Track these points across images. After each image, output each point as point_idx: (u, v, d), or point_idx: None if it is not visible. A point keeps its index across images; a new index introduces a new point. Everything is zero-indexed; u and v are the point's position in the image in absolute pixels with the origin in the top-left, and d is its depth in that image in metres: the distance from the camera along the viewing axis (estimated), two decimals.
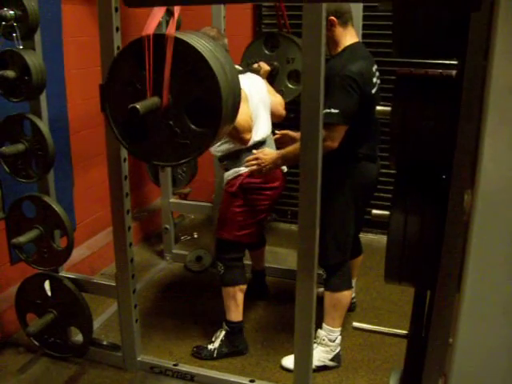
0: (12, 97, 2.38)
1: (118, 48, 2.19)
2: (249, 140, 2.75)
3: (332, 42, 2.66)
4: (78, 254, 3.46)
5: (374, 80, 2.66)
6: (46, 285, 2.72)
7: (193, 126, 1.41)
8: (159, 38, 1.35)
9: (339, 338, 2.81)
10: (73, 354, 2.84)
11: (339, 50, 2.65)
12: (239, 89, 1.50)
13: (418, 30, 1.01)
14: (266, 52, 3.48)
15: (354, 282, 3.32)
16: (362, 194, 2.75)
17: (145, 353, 2.81)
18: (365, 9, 3.28)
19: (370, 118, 2.63)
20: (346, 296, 2.78)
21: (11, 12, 2.26)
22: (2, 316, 3.02)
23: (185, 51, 1.33)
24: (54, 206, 2.53)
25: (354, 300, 3.37)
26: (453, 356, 0.66)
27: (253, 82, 2.96)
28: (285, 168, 2.94)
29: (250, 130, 2.73)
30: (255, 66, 3.25)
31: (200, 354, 2.92)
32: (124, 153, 2.35)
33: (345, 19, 2.60)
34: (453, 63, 1.19)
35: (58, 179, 2.74)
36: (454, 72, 1.18)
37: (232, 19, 3.58)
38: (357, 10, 3.19)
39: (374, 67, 2.70)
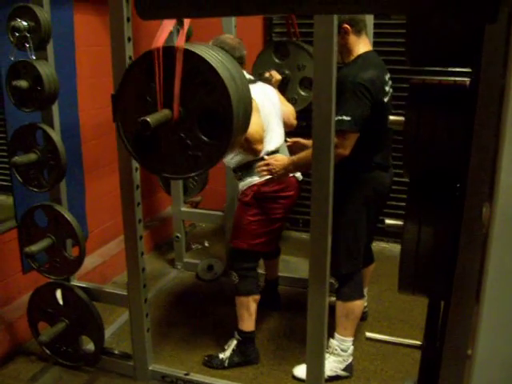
0: (25, 107, 2.40)
1: (130, 58, 2.20)
2: (261, 151, 2.74)
3: (345, 49, 2.66)
4: (89, 262, 3.47)
5: (387, 89, 2.65)
6: (58, 294, 2.73)
7: (204, 138, 1.41)
8: (169, 51, 1.35)
9: (351, 347, 2.79)
10: (84, 362, 2.84)
11: (352, 58, 2.65)
12: (250, 99, 1.50)
13: (432, 40, 1.01)
14: (277, 61, 3.48)
15: (365, 290, 3.30)
16: (375, 203, 2.74)
17: (156, 362, 2.80)
18: (376, 17, 3.28)
19: (382, 127, 2.62)
20: (358, 305, 2.76)
21: (24, 23, 2.28)
22: (14, 324, 3.03)
23: (195, 63, 1.33)
24: (66, 215, 2.54)
25: (366, 309, 3.34)
26: (472, 368, 0.66)
27: (264, 91, 2.95)
28: (300, 176, 2.93)
29: (261, 141, 2.72)
30: (266, 75, 3.24)
31: (211, 363, 2.91)
32: (136, 162, 2.35)
33: (359, 28, 2.60)
34: (466, 71, 1.19)
35: (70, 188, 2.75)
36: (467, 80, 1.18)
37: (243, 28, 3.59)
38: (368, 18, 3.19)
39: (387, 76, 2.69)
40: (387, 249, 4.23)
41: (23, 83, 2.31)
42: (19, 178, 2.54)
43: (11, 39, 2.31)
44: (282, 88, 3.35)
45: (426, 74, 1.21)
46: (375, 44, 3.30)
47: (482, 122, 0.94)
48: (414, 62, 1.15)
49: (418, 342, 1.50)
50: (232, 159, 2.86)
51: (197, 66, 1.33)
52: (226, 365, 2.89)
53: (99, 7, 3.54)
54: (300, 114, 3.29)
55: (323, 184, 1.98)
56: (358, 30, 2.61)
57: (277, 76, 3.26)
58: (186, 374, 2.71)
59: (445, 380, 1.21)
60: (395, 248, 4.16)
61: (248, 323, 2.89)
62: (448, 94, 1.13)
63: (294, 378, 2.81)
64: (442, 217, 1.17)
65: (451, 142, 1.10)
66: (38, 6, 2.32)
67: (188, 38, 3.49)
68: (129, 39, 2.19)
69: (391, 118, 1.21)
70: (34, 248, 2.52)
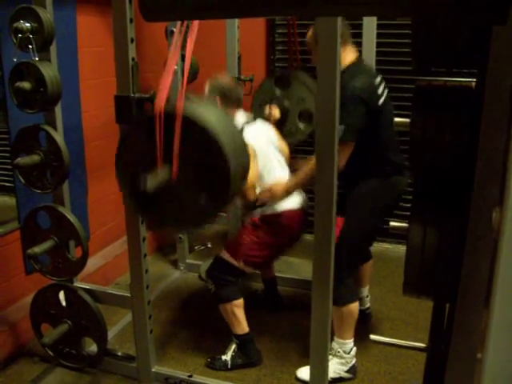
0: (27, 108, 2.40)
1: (133, 59, 2.20)
2: (252, 198, 2.77)
3: None
4: (92, 263, 3.47)
5: (380, 91, 2.65)
6: (61, 295, 2.73)
7: (202, 196, 1.43)
8: (169, 115, 1.37)
9: (354, 349, 2.78)
10: (87, 364, 2.84)
11: (340, 69, 2.66)
12: (248, 159, 1.52)
13: (438, 43, 1.00)
14: (277, 91, 3.50)
15: (366, 289, 3.30)
16: (386, 210, 2.72)
17: (159, 364, 2.79)
18: (379, 18, 3.27)
19: (385, 130, 2.64)
20: (354, 308, 2.74)
21: (27, 24, 2.28)
22: (17, 326, 3.03)
23: (193, 126, 1.35)
24: (69, 217, 2.54)
25: (370, 310, 3.34)
26: (483, 372, 0.65)
27: (261, 129, 3.01)
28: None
29: (253, 188, 2.75)
30: (266, 110, 3.30)
31: (214, 365, 2.91)
32: None
33: (344, 40, 2.59)
34: (472, 72, 1.18)
35: (73, 189, 2.75)
36: (472, 82, 1.17)
37: (246, 29, 3.59)
38: (371, 19, 3.19)
39: (378, 79, 2.70)
40: (390, 250, 4.21)
41: (26, 84, 2.31)
42: (22, 179, 2.54)
43: (14, 40, 2.31)
44: (282, 120, 3.39)
45: (431, 75, 1.20)
46: (379, 45, 3.31)
47: (488, 123, 0.93)
48: (419, 65, 1.15)
49: (423, 345, 1.49)
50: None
51: (196, 130, 1.35)
52: (229, 366, 2.89)
53: (102, 8, 3.53)
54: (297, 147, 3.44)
55: (327, 186, 1.97)
56: (344, 42, 2.61)
57: (276, 114, 3.32)
58: (190, 376, 2.70)
59: (450, 383, 1.20)
60: (398, 249, 4.15)
61: (240, 327, 2.89)
62: (454, 95, 1.12)
63: (298, 379, 2.81)
64: (448, 219, 1.16)
65: (457, 144, 1.09)
66: (40, 8, 2.32)
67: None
68: (132, 40, 2.19)
69: (397, 119, 1.20)
70: (36, 249, 2.52)
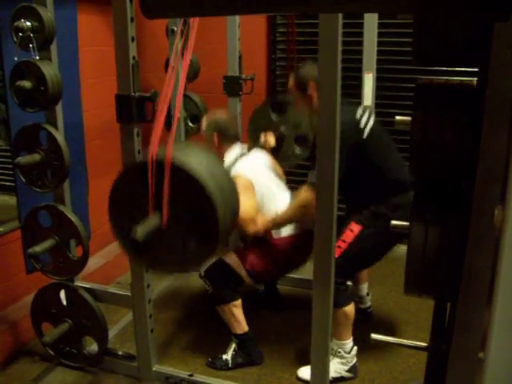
0: (28, 107, 2.40)
1: (134, 58, 2.19)
2: (253, 231, 2.79)
3: (311, 109, 2.77)
4: (93, 262, 3.46)
5: (362, 124, 2.67)
6: (62, 294, 2.73)
7: (191, 243, 1.46)
8: (159, 163, 1.40)
9: (355, 348, 2.78)
10: (88, 363, 2.84)
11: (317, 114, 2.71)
12: (237, 204, 1.55)
13: (439, 40, 1.00)
14: (274, 116, 3.53)
15: (365, 286, 3.30)
16: (388, 234, 2.71)
17: (160, 363, 2.79)
18: (380, 16, 3.27)
19: (377, 156, 2.69)
20: (349, 310, 2.73)
21: (28, 23, 2.27)
22: (17, 325, 3.03)
23: (182, 174, 1.37)
24: (70, 216, 2.54)
25: (371, 309, 3.34)
26: (485, 371, 0.65)
27: (258, 159, 3.07)
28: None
29: (254, 222, 2.77)
30: (262, 138, 3.33)
31: (215, 365, 2.91)
32: None
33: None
34: (473, 70, 1.17)
35: (74, 188, 2.75)
36: (474, 80, 1.16)
37: (246, 27, 3.59)
38: (372, 17, 3.19)
39: (358, 112, 2.72)
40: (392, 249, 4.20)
41: (27, 83, 2.30)
42: (23, 178, 2.54)
43: (15, 39, 2.30)
44: (278, 144, 3.42)
45: (432, 73, 1.20)
46: (380, 44, 3.30)
47: (489, 121, 0.93)
48: (420, 62, 1.14)
49: (424, 344, 1.49)
50: None
51: (185, 179, 1.37)
52: (230, 365, 2.89)
53: (103, 7, 3.53)
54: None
55: (328, 185, 1.96)
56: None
57: (272, 141, 3.34)
58: (190, 375, 2.70)
59: (452, 382, 1.20)
60: (399, 248, 4.12)
61: (239, 327, 2.89)
62: (455, 93, 1.11)
63: (299, 379, 2.80)
64: (449, 218, 1.16)
65: (458, 142, 1.09)
66: (41, 6, 2.31)
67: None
68: (132, 39, 2.18)
69: (397, 117, 1.20)
70: (37, 248, 2.52)
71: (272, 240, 2.90)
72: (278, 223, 2.82)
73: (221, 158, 2.95)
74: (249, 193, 2.79)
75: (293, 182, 3.63)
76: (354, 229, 2.67)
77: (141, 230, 1.40)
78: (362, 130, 2.66)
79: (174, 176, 1.39)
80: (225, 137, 2.97)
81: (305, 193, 2.66)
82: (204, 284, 2.92)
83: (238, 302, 2.87)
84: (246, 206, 2.68)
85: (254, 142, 3.38)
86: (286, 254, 2.91)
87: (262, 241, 2.90)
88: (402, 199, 2.62)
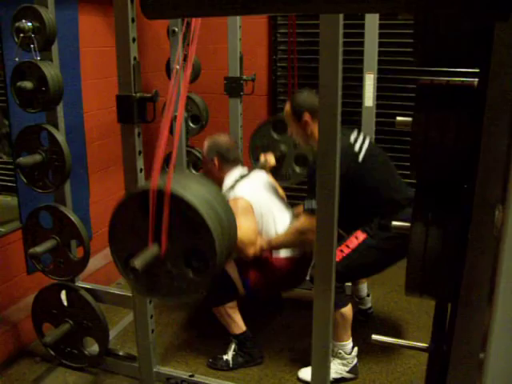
0: (29, 107, 2.40)
1: (135, 59, 2.19)
2: (253, 254, 2.80)
3: (306, 137, 2.82)
4: (93, 263, 3.46)
5: (357, 148, 2.72)
6: (63, 295, 2.73)
7: (189, 272, 1.48)
8: (159, 192, 1.42)
9: (355, 349, 2.78)
10: (89, 364, 2.84)
11: (312, 141, 2.77)
12: (235, 235, 1.58)
13: (440, 40, 1.00)
14: (275, 135, 3.59)
15: (365, 287, 3.30)
16: (387, 251, 2.72)
17: (161, 363, 2.79)
18: (381, 17, 3.27)
19: (373, 177, 2.73)
20: (346, 311, 2.73)
21: (29, 24, 2.28)
22: (18, 326, 3.03)
23: (181, 205, 1.40)
24: (71, 216, 2.54)
25: (371, 310, 3.33)
26: (485, 372, 0.65)
27: (258, 180, 3.10)
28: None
29: (253, 244, 2.79)
30: (262, 159, 3.39)
31: (216, 365, 2.91)
32: (140, 163, 2.35)
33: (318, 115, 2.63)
34: (474, 71, 1.17)
35: (75, 189, 2.75)
36: (475, 81, 1.16)
37: (247, 28, 3.59)
38: (373, 18, 3.19)
39: (352, 137, 2.76)
40: None
41: (28, 84, 2.31)
42: (24, 178, 2.54)
43: (16, 40, 2.31)
44: (278, 164, 3.48)
45: (433, 74, 1.20)
46: (381, 44, 3.30)
47: (490, 121, 0.93)
48: (422, 63, 1.14)
49: (425, 345, 1.49)
50: None
51: (184, 209, 1.40)
52: (231, 365, 2.90)
53: (104, 8, 3.53)
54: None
55: (328, 185, 1.96)
56: (316, 117, 2.66)
57: (271, 161, 3.40)
58: (191, 376, 2.70)
59: (452, 383, 1.20)
60: None
61: (237, 327, 2.91)
62: (456, 94, 1.11)
63: (299, 380, 2.80)
64: (450, 219, 1.16)
65: (459, 143, 1.09)
66: (42, 7, 2.32)
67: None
68: (133, 40, 2.18)
69: (398, 118, 1.20)
70: (38, 249, 2.52)
71: (270, 258, 2.93)
72: (274, 247, 2.87)
73: (221, 181, 3.01)
74: (248, 215, 2.83)
75: (295, 198, 3.72)
76: (359, 236, 2.71)
77: (140, 260, 1.43)
78: (357, 154, 2.71)
79: (173, 206, 1.42)
80: (225, 161, 3.03)
81: (302, 219, 2.71)
82: None
83: (233, 303, 2.89)
84: (245, 228, 2.73)
85: (254, 162, 3.45)
86: (280, 274, 2.94)
87: (260, 257, 2.92)
88: (403, 214, 2.63)
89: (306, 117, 2.74)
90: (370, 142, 2.83)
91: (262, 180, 3.15)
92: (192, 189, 1.46)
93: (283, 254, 2.94)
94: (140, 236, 1.50)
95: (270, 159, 3.40)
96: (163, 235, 1.44)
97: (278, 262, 2.94)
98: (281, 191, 3.27)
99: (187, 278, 1.49)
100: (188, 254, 1.48)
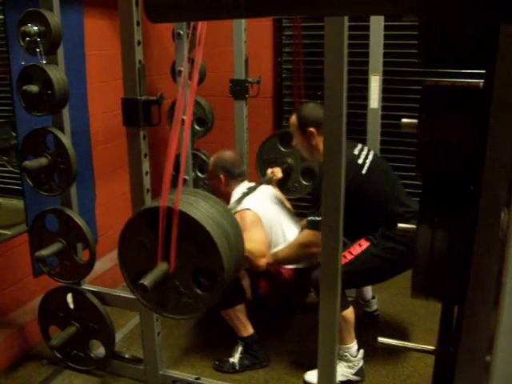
0: (35, 111, 2.41)
1: (140, 62, 2.20)
2: (264, 265, 2.79)
3: (311, 149, 2.85)
4: (99, 266, 3.47)
5: (361, 161, 2.75)
6: (69, 297, 2.73)
7: (197, 290, 1.51)
8: (168, 209, 1.46)
9: (361, 351, 2.77)
10: (95, 366, 2.84)
11: (316, 154, 2.80)
12: (242, 251, 1.61)
13: (446, 41, 0.99)
14: (281, 149, 3.63)
15: (369, 290, 3.29)
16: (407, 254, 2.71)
17: (167, 366, 2.79)
18: (386, 19, 3.26)
19: (379, 189, 2.75)
20: (348, 313, 2.72)
21: (35, 28, 2.29)
22: (25, 328, 3.04)
23: (190, 223, 1.42)
24: (77, 219, 2.54)
25: (377, 312, 3.33)
26: (492, 374, 0.64)
27: (265, 194, 3.13)
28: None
29: (263, 255, 2.78)
30: (269, 172, 3.41)
31: (222, 368, 2.91)
32: (146, 166, 2.35)
33: (322, 128, 2.62)
34: (479, 72, 1.17)
35: (81, 192, 2.76)
36: (480, 82, 1.16)
37: (252, 31, 3.60)
38: (378, 19, 3.18)
39: (356, 149, 2.80)
40: None
41: (34, 87, 2.31)
42: (30, 182, 2.55)
43: (22, 44, 2.31)
44: (285, 177, 3.51)
45: (438, 75, 1.19)
46: (385, 46, 3.29)
47: (496, 123, 0.92)
48: (427, 65, 1.14)
49: (431, 347, 1.48)
50: None
51: (192, 227, 1.43)
52: (238, 368, 2.89)
53: (109, 11, 3.55)
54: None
55: (334, 187, 1.95)
56: (320, 129, 2.67)
57: (278, 174, 3.42)
58: (197, 379, 2.70)
59: None
60: None
61: (245, 329, 2.91)
62: (461, 95, 1.11)
63: (306, 383, 2.80)
64: (456, 221, 1.15)
65: (465, 145, 1.08)
66: (48, 11, 2.33)
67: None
68: (138, 43, 2.19)
69: (404, 120, 1.20)
70: (44, 252, 2.52)
71: (280, 269, 2.95)
72: (278, 260, 2.88)
73: (228, 196, 3.03)
74: (257, 227, 2.84)
75: (302, 210, 3.75)
76: (363, 244, 2.72)
77: (149, 280, 1.45)
78: (361, 166, 2.73)
79: (181, 224, 1.45)
80: (232, 176, 3.07)
81: (305, 233, 2.74)
82: None
83: (242, 306, 2.89)
84: (255, 240, 2.74)
85: (261, 176, 3.49)
86: (289, 284, 2.96)
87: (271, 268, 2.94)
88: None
89: (312, 129, 2.77)
90: (375, 155, 2.86)
91: (269, 193, 3.18)
92: (200, 207, 1.48)
93: (291, 264, 2.96)
94: (149, 253, 1.52)
95: (277, 173, 3.42)
96: (172, 253, 1.47)
97: (287, 272, 2.96)
98: (288, 205, 3.29)
99: (195, 294, 1.51)
100: (196, 271, 1.51)
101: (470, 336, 1.13)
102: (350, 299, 2.92)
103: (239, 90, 3.46)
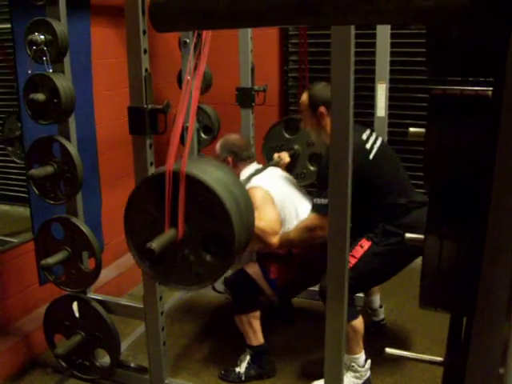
0: (41, 119, 2.41)
1: (146, 70, 2.20)
2: (275, 244, 2.73)
3: (319, 128, 2.78)
4: (105, 274, 3.47)
5: (369, 146, 2.70)
6: (74, 306, 2.73)
7: (207, 257, 1.46)
8: (175, 174, 1.41)
9: (369, 362, 2.75)
10: (100, 375, 2.83)
11: (324, 135, 2.74)
12: (253, 218, 1.55)
13: (453, 51, 0.99)
14: (287, 136, 3.60)
15: (377, 298, 3.27)
16: (398, 252, 2.67)
17: (172, 375, 2.78)
18: (393, 26, 3.26)
19: (385, 177, 2.71)
20: (357, 323, 2.69)
21: (42, 37, 2.30)
22: (30, 336, 3.04)
23: (198, 187, 1.38)
24: (82, 228, 2.54)
25: (384, 321, 3.30)
26: None
27: (274, 173, 3.08)
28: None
29: (276, 233, 2.72)
30: (276, 157, 3.36)
31: (228, 377, 2.89)
32: None
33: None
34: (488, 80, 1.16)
35: (87, 200, 2.75)
36: (489, 90, 1.15)
37: (259, 39, 3.60)
38: (385, 27, 3.18)
39: (365, 135, 2.75)
40: None
41: (40, 96, 2.32)
42: (36, 190, 2.55)
43: (29, 52, 2.32)
44: (292, 163, 3.46)
45: (445, 82, 1.18)
46: (392, 54, 3.29)
47: (505, 132, 0.91)
48: (435, 73, 1.13)
49: (440, 358, 1.46)
50: None
51: (200, 191, 1.38)
52: (243, 378, 2.87)
53: (116, 20, 3.56)
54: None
55: (341, 194, 1.94)
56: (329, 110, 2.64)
57: (286, 159, 3.36)
58: None
59: None
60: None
61: (255, 338, 2.86)
62: (471, 104, 1.10)
63: None
64: (465, 231, 1.14)
65: (474, 155, 1.07)
66: (55, 20, 2.33)
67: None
68: (145, 51, 2.19)
69: (411, 129, 1.18)
70: (50, 260, 2.52)
71: (290, 251, 2.88)
72: (283, 243, 2.79)
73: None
74: (268, 204, 2.77)
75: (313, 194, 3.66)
76: (364, 245, 2.68)
77: (157, 242, 1.40)
78: (369, 151, 2.69)
79: (189, 189, 1.40)
80: (239, 159, 3.00)
81: (311, 216, 2.69)
82: (217, 295, 2.91)
83: (257, 314, 2.84)
84: (266, 217, 2.69)
85: (268, 161, 3.42)
86: (309, 261, 2.85)
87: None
88: (408, 218, 2.63)
89: (322, 109, 2.71)
90: (383, 141, 2.81)
91: (278, 173, 3.12)
92: (208, 171, 1.44)
93: None
94: (155, 222, 1.47)
95: (284, 157, 3.36)
96: (180, 218, 1.41)
97: (298, 255, 2.89)
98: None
99: (205, 262, 1.45)
100: (206, 238, 1.45)
101: (481, 348, 1.11)
102: (358, 308, 2.90)
103: (245, 98, 3.46)
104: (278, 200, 2.83)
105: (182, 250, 1.47)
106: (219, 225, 1.40)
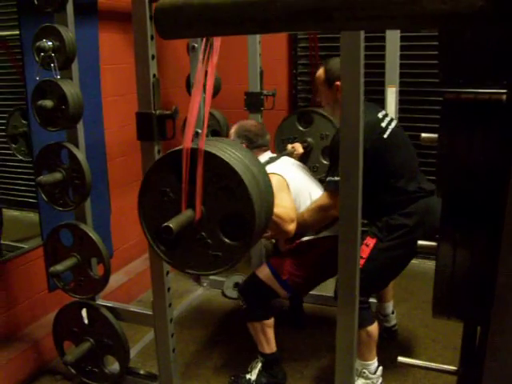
0: (50, 126, 2.40)
1: (154, 76, 2.19)
2: (292, 231, 2.65)
3: (335, 103, 2.72)
4: (114, 280, 3.46)
5: (384, 124, 2.66)
6: (83, 313, 2.72)
7: (225, 239, 1.41)
8: (193, 152, 1.37)
9: (380, 369, 2.71)
10: (109, 382, 2.81)
11: (337, 110, 2.66)
12: (272, 199, 1.50)
13: (466, 54, 0.96)
14: (300, 128, 3.55)
15: (390, 305, 3.23)
16: (418, 235, 2.60)
17: (182, 382, 2.76)
18: (402, 30, 3.24)
19: (396, 159, 2.66)
20: (372, 330, 2.65)
21: (49, 43, 2.29)
22: (39, 343, 3.03)
23: (217, 165, 1.34)
24: (91, 234, 2.53)
25: (396, 327, 3.27)
26: None
27: (288, 162, 3.03)
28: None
29: (291, 221, 2.64)
30: (289, 147, 3.32)
31: None
32: None
33: None
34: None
35: (96, 206, 2.75)
36: (503, 94, 1.12)
37: (267, 43, 3.59)
38: (394, 31, 3.16)
39: (380, 113, 2.72)
40: (417, 265, 4.11)
41: (48, 103, 2.31)
42: (44, 197, 2.54)
43: (36, 59, 2.32)
44: (305, 156, 3.42)
45: (457, 86, 1.16)
46: (402, 57, 3.26)
47: None
48: (448, 78, 1.10)
49: (453, 368, 1.43)
50: None
51: (219, 169, 1.34)
52: None
53: (124, 26, 3.56)
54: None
55: (351, 198, 1.92)
56: None
57: (299, 149, 3.32)
58: None
59: None
60: (425, 264, 4.07)
61: (268, 346, 2.82)
62: (485, 108, 1.07)
63: None
64: (479, 238, 1.11)
65: (488, 161, 1.04)
66: (63, 26, 2.33)
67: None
68: (153, 57, 2.18)
69: (424, 135, 1.16)
70: (59, 267, 2.51)
71: (301, 242, 2.85)
72: (299, 226, 2.70)
73: None
74: (283, 191, 2.71)
75: None
76: (370, 243, 2.63)
77: (175, 221, 1.35)
78: (384, 130, 2.64)
79: (207, 167, 1.35)
80: (254, 145, 2.91)
81: (324, 195, 2.67)
82: (227, 301, 2.89)
83: (271, 321, 2.80)
84: (283, 205, 2.62)
85: (281, 151, 3.37)
86: (322, 255, 2.79)
87: (296, 246, 2.84)
88: (416, 207, 2.60)
89: (338, 83, 2.65)
90: (397, 124, 2.78)
91: (292, 161, 3.08)
92: (227, 150, 1.40)
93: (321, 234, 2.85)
94: (171, 204, 1.42)
95: (298, 148, 3.32)
96: (197, 197, 1.37)
97: (318, 242, 2.84)
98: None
99: (224, 245, 1.41)
100: (224, 219, 1.40)
101: (497, 357, 1.08)
102: None
103: (254, 102, 3.44)
104: (293, 187, 2.77)
105: (199, 232, 1.42)
106: (239, 205, 1.35)
